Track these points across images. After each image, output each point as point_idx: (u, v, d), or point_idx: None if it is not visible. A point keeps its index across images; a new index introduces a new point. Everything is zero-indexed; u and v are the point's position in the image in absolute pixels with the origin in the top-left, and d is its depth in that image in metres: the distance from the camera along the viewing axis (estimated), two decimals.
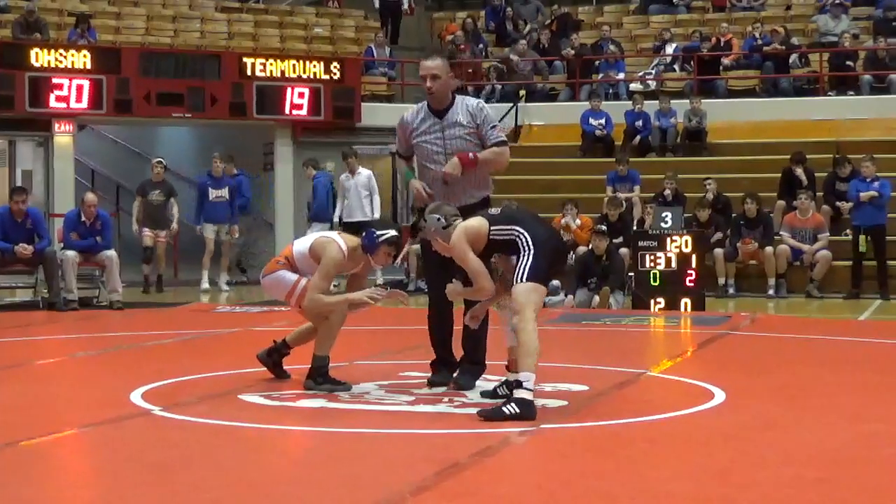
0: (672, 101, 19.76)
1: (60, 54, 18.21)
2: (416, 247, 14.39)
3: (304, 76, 19.49)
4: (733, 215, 16.26)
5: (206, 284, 16.76)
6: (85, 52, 18.43)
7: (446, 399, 7.20)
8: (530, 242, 6.71)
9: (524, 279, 6.65)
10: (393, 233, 7.51)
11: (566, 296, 14.33)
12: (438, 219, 6.96)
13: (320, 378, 7.46)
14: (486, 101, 20.97)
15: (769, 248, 15.64)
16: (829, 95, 20.50)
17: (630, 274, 14.42)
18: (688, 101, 19.66)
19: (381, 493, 4.93)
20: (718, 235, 15.97)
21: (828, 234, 15.89)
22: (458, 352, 7.75)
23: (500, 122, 19.58)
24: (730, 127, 19.83)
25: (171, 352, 10.12)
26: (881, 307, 14.43)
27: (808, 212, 15.88)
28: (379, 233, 7.48)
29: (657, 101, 19.87)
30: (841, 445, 6.03)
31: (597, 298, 14.19)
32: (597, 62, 22.01)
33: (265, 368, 7.94)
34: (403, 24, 24.32)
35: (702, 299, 14.04)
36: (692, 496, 4.96)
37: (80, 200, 14.88)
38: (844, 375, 8.59)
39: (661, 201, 16.33)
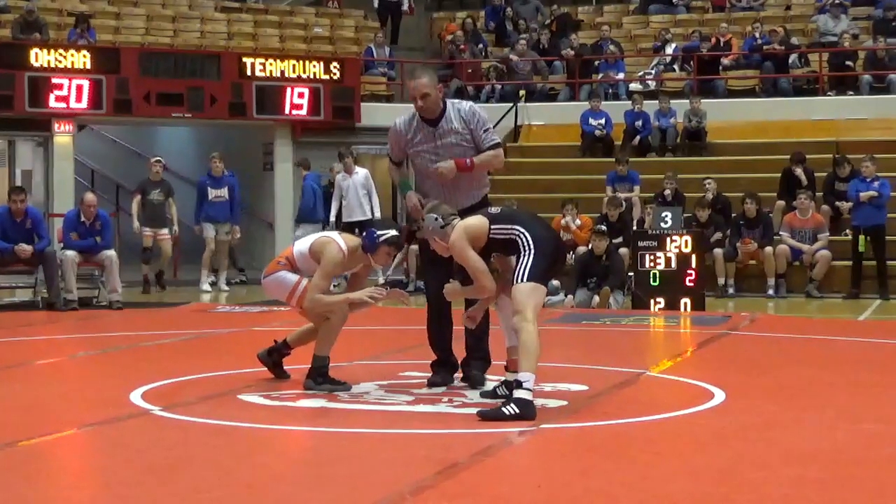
0: (672, 101, 19.76)
1: (60, 54, 18.20)
2: (416, 247, 14.38)
3: (304, 76, 19.49)
4: (733, 215, 16.26)
5: (206, 284, 16.77)
6: (84, 52, 18.42)
7: (446, 399, 7.20)
8: (531, 242, 6.71)
9: (524, 279, 6.65)
10: (393, 233, 7.51)
11: (566, 296, 14.33)
12: (436, 218, 6.96)
13: (320, 378, 7.46)
14: (486, 102, 21.11)
15: (769, 248, 15.64)
16: (829, 95, 20.49)
17: (630, 274, 14.42)
18: (687, 101, 19.65)
19: (381, 493, 4.93)
20: (718, 235, 15.97)
21: (827, 234, 15.89)
22: (458, 352, 7.76)
23: (499, 122, 19.79)
24: (729, 127, 19.83)
25: (171, 352, 10.12)
26: (881, 307, 14.43)
27: (808, 212, 15.87)
28: (379, 233, 7.48)
29: (657, 101, 19.86)
30: (841, 445, 6.03)
31: (597, 298, 14.19)
32: (596, 62, 22.00)
33: (265, 368, 7.94)
34: (403, 24, 24.31)
35: (701, 299, 14.03)
36: (692, 496, 4.95)
37: (80, 200, 14.85)
38: (844, 375, 8.58)
39: (661, 201, 16.34)
